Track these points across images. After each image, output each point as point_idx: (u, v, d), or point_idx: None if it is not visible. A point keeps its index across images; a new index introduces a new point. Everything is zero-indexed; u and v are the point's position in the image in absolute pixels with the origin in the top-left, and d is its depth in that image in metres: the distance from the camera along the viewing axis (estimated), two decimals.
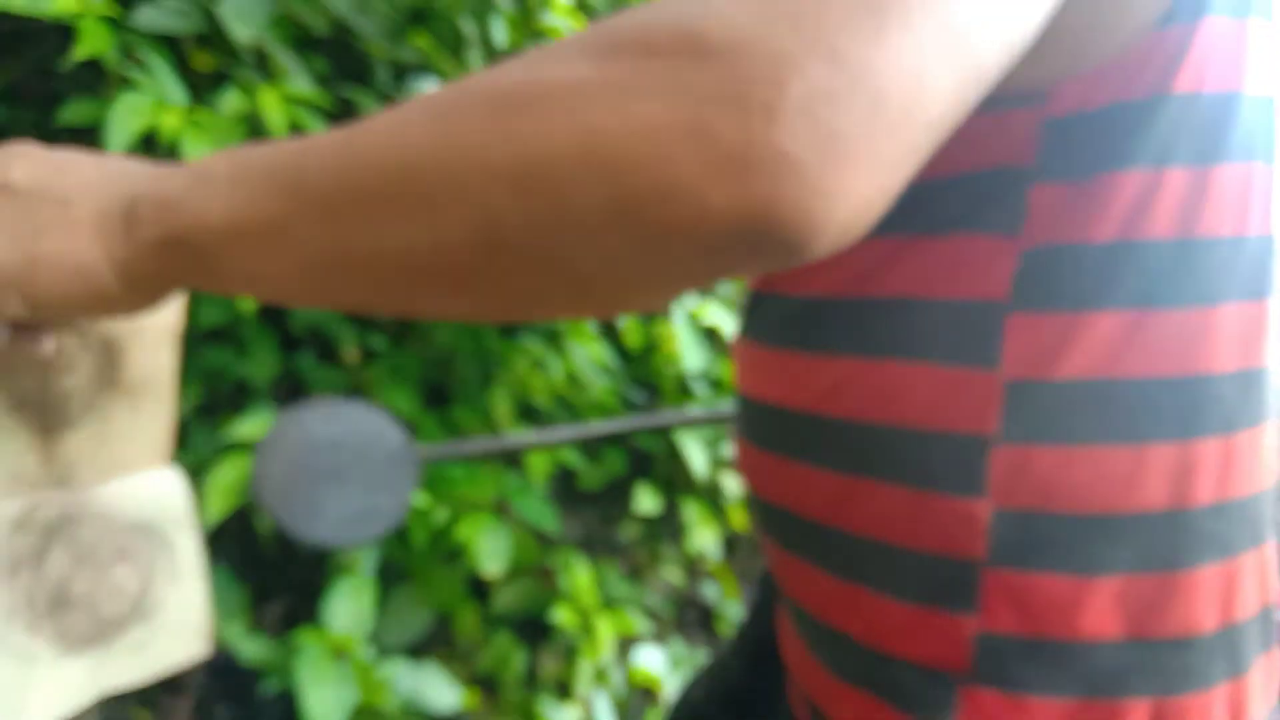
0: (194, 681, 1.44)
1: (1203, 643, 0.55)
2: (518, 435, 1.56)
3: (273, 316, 1.57)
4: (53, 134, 1.61)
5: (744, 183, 0.33)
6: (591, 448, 2.01)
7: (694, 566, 2.42)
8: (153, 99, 1.37)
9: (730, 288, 2.26)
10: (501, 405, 1.77)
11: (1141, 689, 0.55)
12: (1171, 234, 0.52)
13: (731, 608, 2.33)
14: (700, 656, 2.18)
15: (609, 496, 2.20)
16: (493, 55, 1.85)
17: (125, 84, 1.44)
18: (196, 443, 1.51)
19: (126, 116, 1.33)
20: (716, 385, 2.18)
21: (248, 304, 1.36)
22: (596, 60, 0.37)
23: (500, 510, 1.50)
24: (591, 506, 2.21)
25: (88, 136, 1.59)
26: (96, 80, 1.59)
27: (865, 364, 0.59)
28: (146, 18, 1.43)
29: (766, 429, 0.67)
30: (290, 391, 1.56)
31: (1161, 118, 0.51)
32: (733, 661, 0.89)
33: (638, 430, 1.51)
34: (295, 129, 1.47)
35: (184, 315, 0.65)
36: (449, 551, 1.50)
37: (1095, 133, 0.52)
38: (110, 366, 0.61)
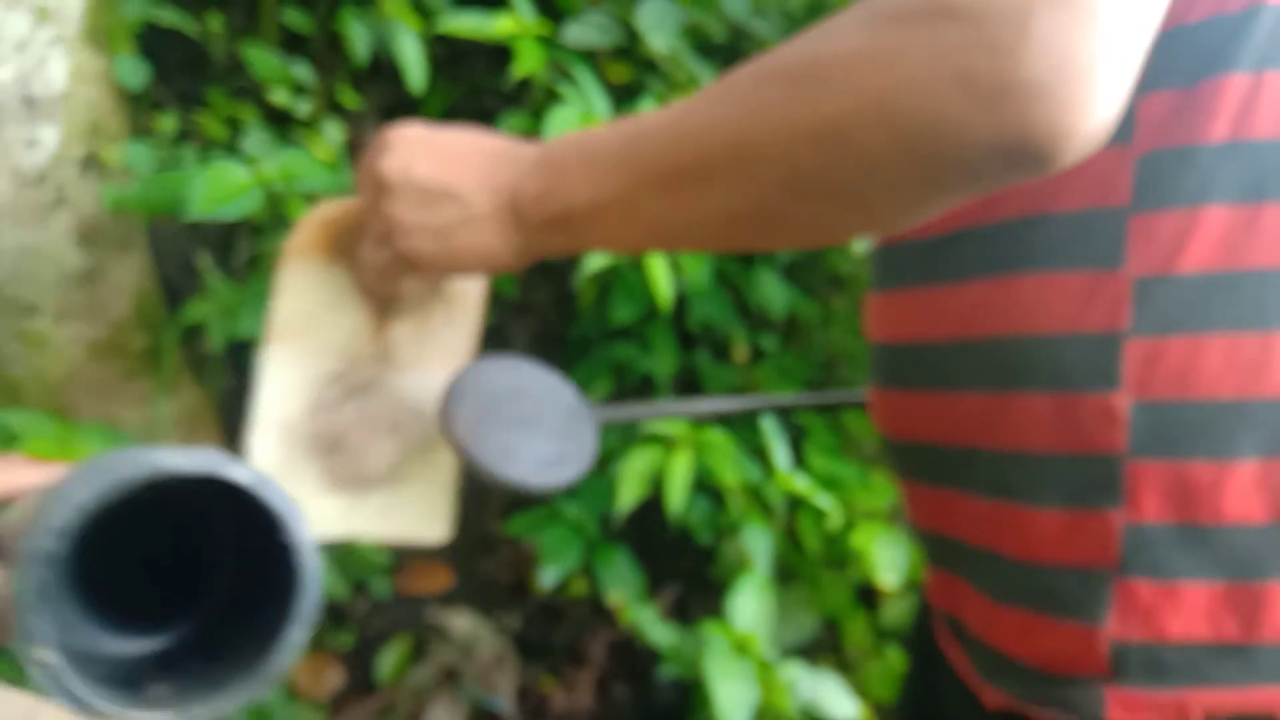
0: (596, 656, 1.52)
1: None
2: (706, 400, 1.50)
3: (672, 316, 1.61)
4: None
5: (1001, 111, 0.42)
6: None
7: None
8: (580, 111, 1.44)
9: None
10: None
11: None
12: (1277, 133, 0.54)
13: None
14: None
15: None
16: None
17: (553, 98, 1.53)
18: (605, 431, 1.59)
19: (558, 129, 1.41)
20: None
21: (664, 302, 1.39)
22: (868, 32, 0.46)
23: (894, 519, 1.44)
24: None
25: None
26: (519, 96, 1.71)
27: (999, 282, 0.62)
28: (574, 34, 1.52)
29: (907, 368, 0.70)
30: (686, 385, 1.60)
31: (1257, 27, 0.54)
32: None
33: None
34: None
35: None
36: (840, 558, 1.46)
37: (1196, 44, 0.55)
38: (439, 277, 0.72)
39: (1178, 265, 0.56)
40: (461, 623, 1.51)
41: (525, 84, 1.60)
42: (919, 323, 0.69)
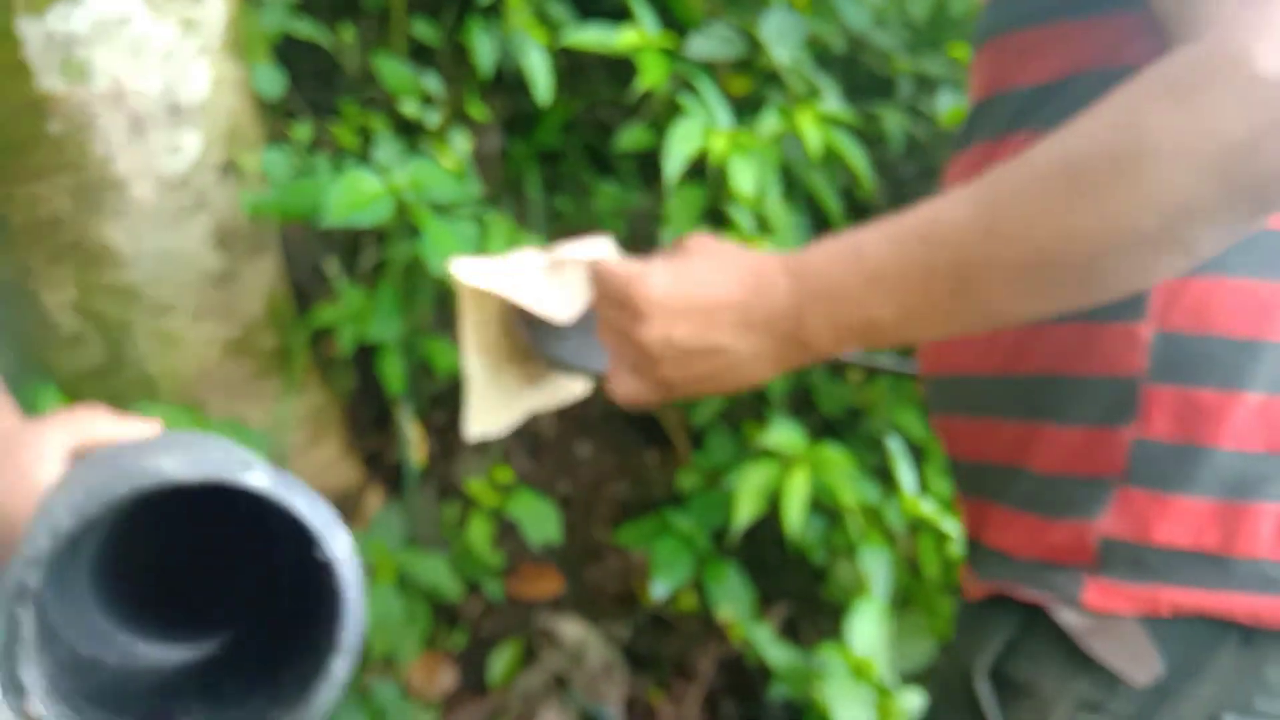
0: (705, 672, 1.49)
1: None
2: None
3: None
4: (607, 160, 1.75)
5: None
6: None
7: None
8: (703, 124, 1.42)
9: None
10: None
11: (1273, 495, 0.63)
12: None
13: None
14: None
15: None
16: None
17: (673, 111, 1.51)
18: (713, 446, 1.56)
19: (681, 142, 1.39)
20: None
21: None
22: (1172, 103, 0.50)
23: None
24: None
25: (644, 160, 1.71)
26: (637, 108, 1.70)
27: None
28: (697, 47, 1.49)
29: None
30: (801, 403, 1.56)
31: None
32: None
33: None
34: (828, 149, 1.45)
35: None
36: (957, 585, 1.40)
37: None
38: None
39: None
40: (571, 630, 1.50)
41: (644, 96, 1.58)
42: None
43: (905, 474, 1.35)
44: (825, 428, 1.61)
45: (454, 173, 1.37)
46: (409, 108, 1.42)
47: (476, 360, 0.79)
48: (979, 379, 0.75)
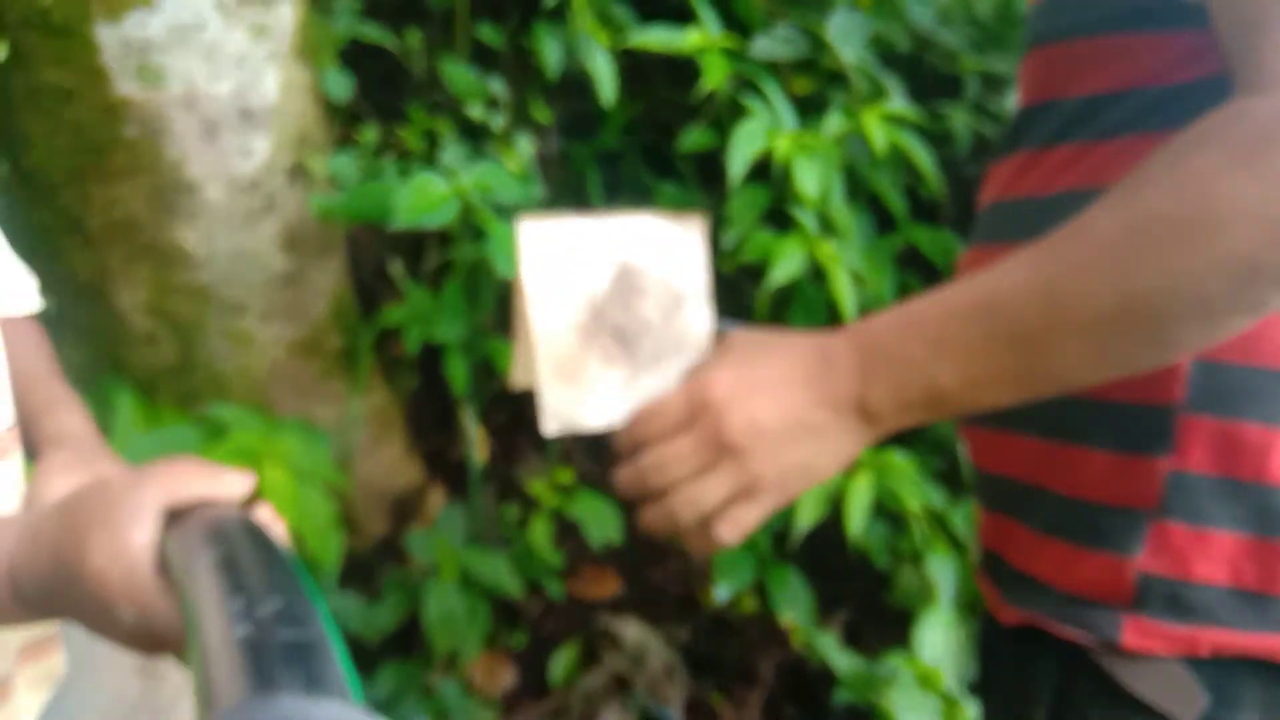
0: (766, 676, 1.46)
1: None
2: None
3: None
4: (669, 160, 1.72)
5: None
6: None
7: None
8: (767, 125, 1.38)
9: None
10: None
11: None
12: None
13: None
14: None
15: None
16: None
17: (736, 112, 1.48)
18: None
19: (746, 142, 1.36)
20: None
21: (847, 316, 1.32)
22: (1238, 166, 0.48)
23: None
24: None
25: (703, 161, 1.68)
26: (698, 110, 1.67)
27: None
28: (762, 47, 1.46)
29: None
30: None
31: None
32: None
33: None
34: (894, 148, 1.41)
35: None
36: None
37: None
38: None
39: None
40: (632, 631, 1.48)
41: (706, 97, 1.55)
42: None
43: None
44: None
45: (518, 175, 1.35)
46: (475, 111, 1.41)
47: (545, 339, 0.70)
48: None
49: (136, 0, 1.27)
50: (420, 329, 1.35)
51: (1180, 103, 0.58)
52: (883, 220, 1.53)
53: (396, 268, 1.54)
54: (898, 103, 1.45)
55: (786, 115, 1.40)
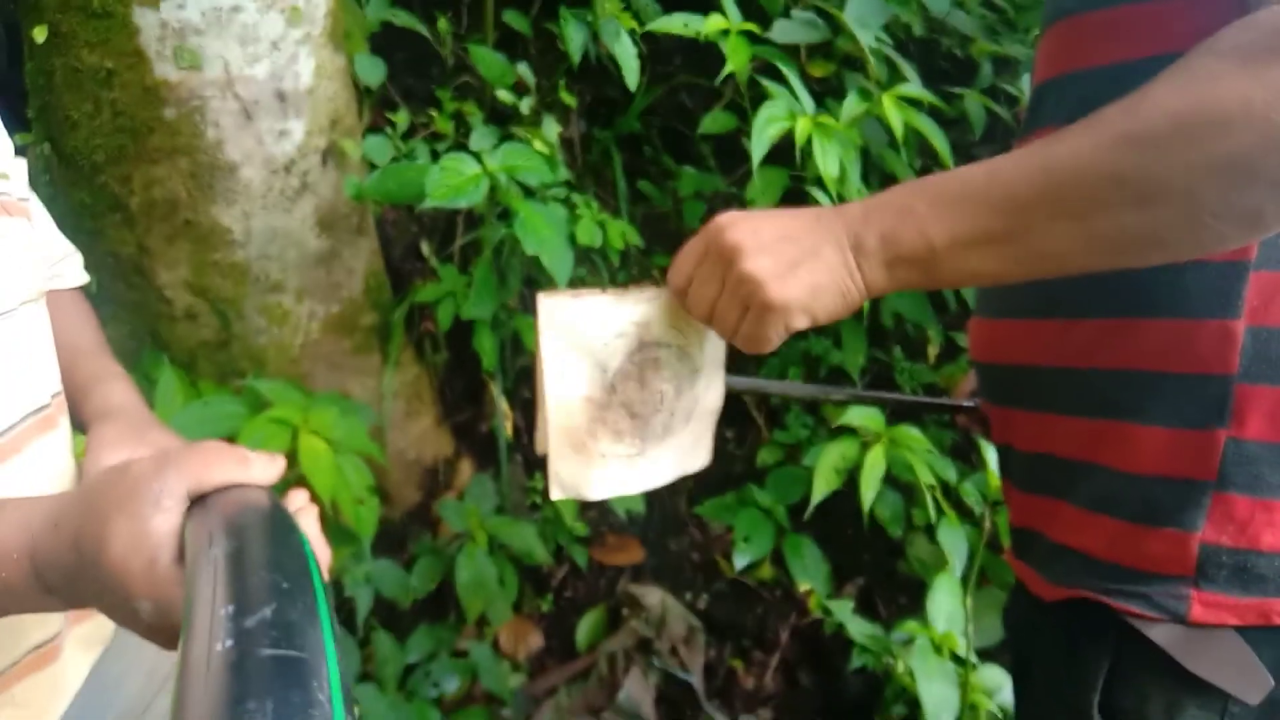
0: (783, 642, 1.47)
1: None
2: (831, 388, 1.38)
3: (861, 312, 1.53)
4: (689, 142, 1.71)
5: None
6: None
7: None
8: (786, 107, 1.37)
9: None
10: None
11: None
12: None
13: None
14: None
15: None
16: None
17: (757, 95, 1.47)
18: (793, 425, 1.53)
19: (767, 124, 1.35)
20: None
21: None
22: (1240, 69, 0.48)
23: None
24: None
25: (721, 144, 1.67)
26: (717, 94, 1.65)
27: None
28: (782, 31, 1.44)
29: (1016, 295, 0.69)
30: (882, 381, 1.52)
31: None
32: None
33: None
34: (909, 131, 1.40)
35: None
36: None
37: None
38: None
39: None
40: (654, 598, 1.49)
41: (725, 81, 1.54)
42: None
43: (991, 452, 1.30)
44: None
45: (544, 157, 1.35)
46: (503, 94, 1.40)
47: (558, 410, 0.68)
48: (1044, 371, 0.69)
49: None
50: (450, 306, 1.35)
51: None
52: None
53: (429, 247, 1.54)
54: (913, 86, 1.43)
55: (805, 98, 1.39)
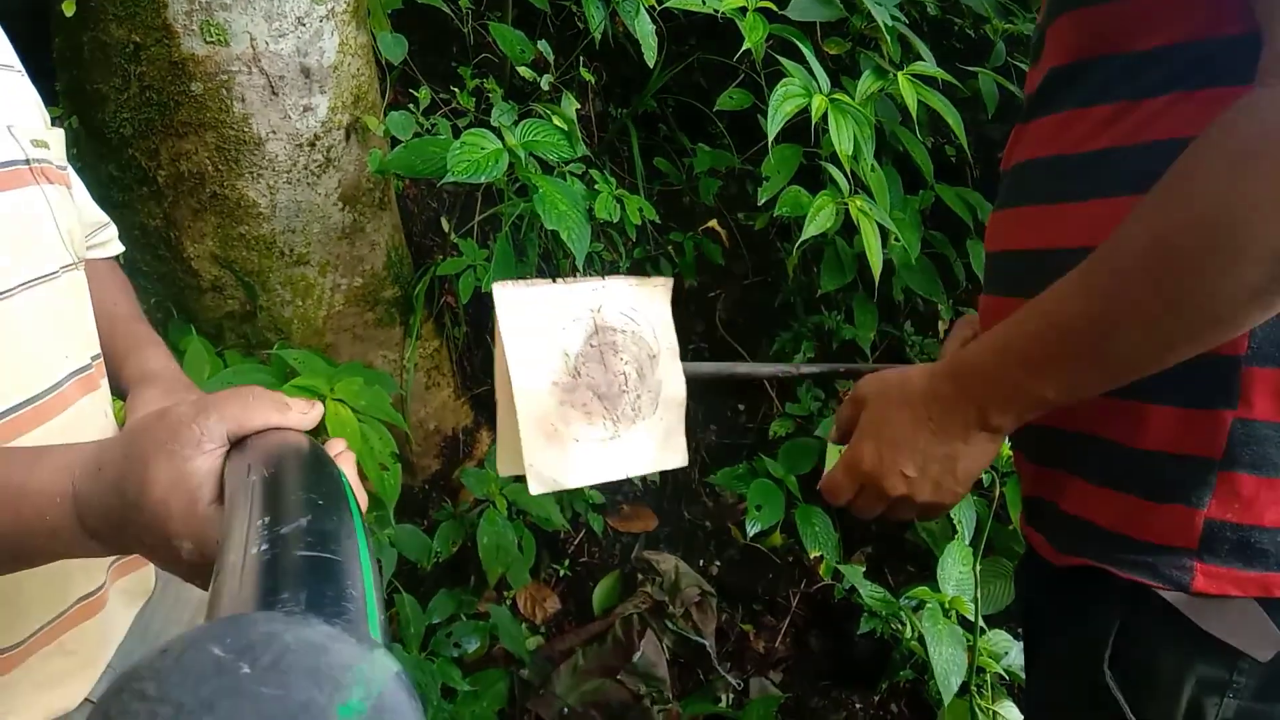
0: (793, 607, 1.47)
1: None
2: (798, 363, 1.38)
3: (873, 288, 1.53)
4: (704, 121, 1.70)
5: None
6: None
7: None
8: (802, 84, 1.36)
9: None
10: None
11: None
12: None
13: None
14: None
15: None
16: None
17: (772, 74, 1.46)
18: (802, 395, 1.53)
19: (783, 101, 1.34)
20: None
21: (876, 269, 1.31)
22: (1256, 168, 0.49)
23: None
24: None
25: (735, 121, 1.66)
26: (731, 72, 1.64)
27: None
28: (798, 8, 1.43)
29: (1025, 274, 0.68)
30: (888, 353, 1.51)
31: None
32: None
33: None
34: (924, 108, 1.38)
35: None
36: None
37: None
38: None
39: None
40: (668, 563, 1.49)
41: (738, 60, 1.53)
42: (1040, 233, 0.69)
43: None
44: None
45: (564, 133, 1.34)
46: (524, 70, 1.39)
47: (525, 398, 0.68)
48: None
49: None
50: (470, 280, 1.35)
51: (1244, 51, 0.56)
52: (907, 181, 1.51)
53: (447, 223, 1.54)
54: (928, 64, 1.42)
55: (821, 75, 1.38)
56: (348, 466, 0.55)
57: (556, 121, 1.35)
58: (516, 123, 1.34)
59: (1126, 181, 0.60)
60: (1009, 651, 1.18)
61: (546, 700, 1.39)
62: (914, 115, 1.36)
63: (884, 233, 1.35)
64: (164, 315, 1.47)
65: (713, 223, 1.51)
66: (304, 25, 1.34)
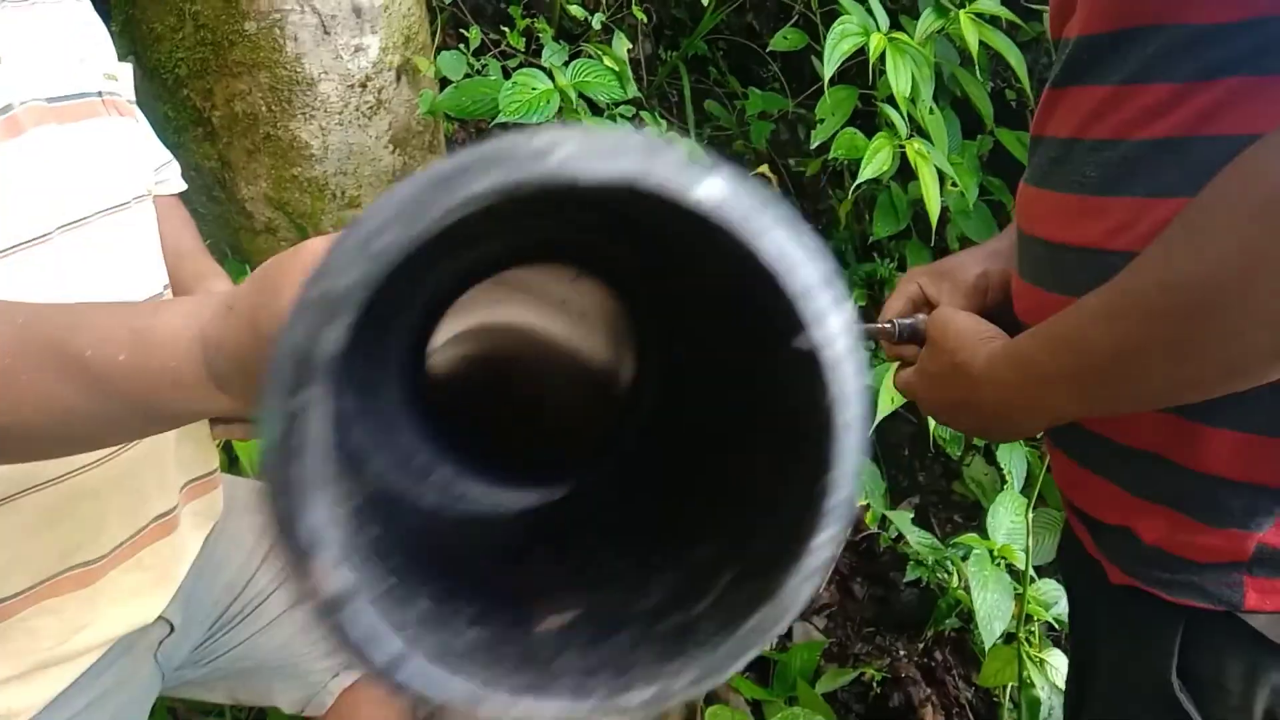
0: (839, 555, 1.48)
1: None
2: None
3: (928, 234, 1.50)
4: (756, 65, 1.67)
5: None
6: None
7: None
8: (859, 24, 1.33)
9: None
10: None
11: None
12: None
13: None
14: None
15: None
16: None
17: (828, 13, 1.42)
18: None
19: (840, 40, 1.31)
20: None
21: (933, 215, 1.29)
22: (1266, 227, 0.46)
23: None
24: None
25: (794, 58, 1.63)
26: (782, 14, 1.60)
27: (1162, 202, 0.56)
28: None
29: (1072, 271, 0.64)
30: None
31: None
32: None
33: None
34: (985, 48, 1.35)
35: None
36: None
37: None
38: None
39: None
40: None
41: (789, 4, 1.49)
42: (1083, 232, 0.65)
43: None
44: None
45: (615, 73, 1.33)
46: (576, 9, 1.37)
47: None
48: None
49: None
50: None
51: None
52: (966, 125, 1.47)
53: None
54: (991, 2, 1.38)
55: (881, 13, 1.34)
56: None
57: (607, 62, 1.34)
58: (567, 63, 1.33)
59: (1189, 180, 0.55)
60: (1059, 600, 1.18)
61: None
62: (974, 56, 1.33)
63: (940, 178, 1.33)
64: (219, 257, 1.49)
65: (763, 168, 1.49)
66: None
